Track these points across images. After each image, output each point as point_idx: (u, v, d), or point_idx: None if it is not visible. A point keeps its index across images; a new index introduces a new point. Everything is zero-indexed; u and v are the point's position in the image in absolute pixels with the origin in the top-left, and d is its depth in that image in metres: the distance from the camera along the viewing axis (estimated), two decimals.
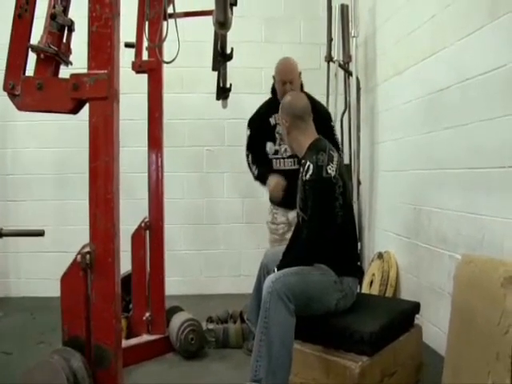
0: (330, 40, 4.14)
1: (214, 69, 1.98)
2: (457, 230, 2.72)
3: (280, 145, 3.02)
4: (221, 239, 4.53)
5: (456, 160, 2.75)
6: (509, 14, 2.29)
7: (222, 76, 2.51)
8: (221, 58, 1.93)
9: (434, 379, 2.29)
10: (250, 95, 4.16)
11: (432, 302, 2.91)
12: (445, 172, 2.88)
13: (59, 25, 1.72)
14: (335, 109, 4.08)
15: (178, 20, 2.08)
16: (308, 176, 2.23)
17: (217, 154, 4.48)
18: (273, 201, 3.16)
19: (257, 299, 2.62)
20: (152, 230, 2.83)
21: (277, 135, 3.02)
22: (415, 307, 2.52)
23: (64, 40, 1.76)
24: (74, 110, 1.70)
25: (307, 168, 2.24)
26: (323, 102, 3.90)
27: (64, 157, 4.38)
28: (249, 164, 3.15)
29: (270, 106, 3.03)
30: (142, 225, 2.82)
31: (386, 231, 3.82)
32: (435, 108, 2.99)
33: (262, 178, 3.08)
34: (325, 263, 2.27)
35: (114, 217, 1.65)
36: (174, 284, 3.62)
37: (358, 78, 4.06)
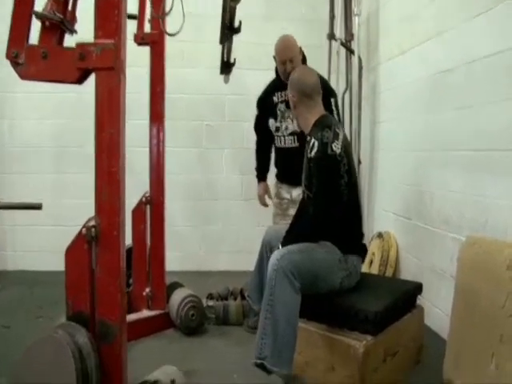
0: (332, 17, 4.08)
1: (221, 42, 1.93)
2: (460, 212, 2.71)
3: (281, 122, 3.02)
4: (220, 216, 4.51)
5: (460, 141, 2.73)
6: None
7: (226, 50, 2.46)
8: (228, 31, 1.87)
9: (435, 361, 2.31)
10: (251, 71, 4.14)
11: (433, 284, 2.91)
12: (449, 153, 2.86)
13: None
14: (337, 87, 4.01)
15: None
16: (313, 153, 2.20)
17: (216, 130, 4.43)
18: (278, 176, 3.24)
19: (258, 276, 2.65)
20: (153, 205, 2.80)
21: (278, 112, 3.02)
22: (417, 288, 2.53)
23: (69, 7, 1.70)
24: (80, 80, 1.65)
25: (312, 145, 2.21)
26: None
27: (63, 130, 4.31)
28: (255, 147, 3.29)
29: (275, 85, 3.05)
30: (143, 199, 2.79)
31: (385, 211, 3.81)
32: (439, 89, 2.96)
33: (257, 171, 3.32)
34: (330, 241, 2.26)
35: (119, 190, 1.62)
36: (173, 260, 3.59)
37: (359, 57, 4.00)
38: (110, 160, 1.61)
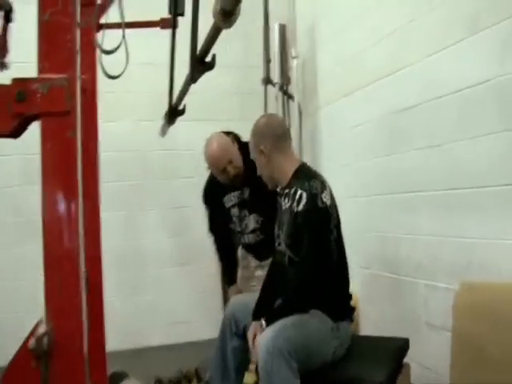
0: (267, 61, 3.87)
1: (192, 80, 1.56)
2: (434, 256, 2.54)
3: (240, 225, 2.73)
4: (151, 284, 3.97)
5: (430, 181, 2.57)
6: (491, 28, 2.17)
7: (179, 94, 2.09)
8: (200, 66, 1.52)
9: None
10: (182, 123, 3.79)
11: (404, 335, 2.62)
12: (416, 195, 2.68)
13: None
14: None
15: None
16: (301, 206, 1.89)
17: (143, 190, 3.96)
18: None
19: (220, 355, 2.28)
20: (89, 286, 2.27)
21: (234, 218, 2.72)
22: (406, 344, 2.30)
23: None
24: (16, 132, 1.20)
25: (299, 197, 1.91)
26: None
27: None
28: (215, 249, 2.96)
29: (219, 186, 2.69)
30: None
31: None
32: (399, 129, 2.80)
33: (225, 275, 3.00)
34: (319, 308, 1.95)
35: (79, 283, 1.17)
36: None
37: (298, 102, 3.82)
38: (64, 243, 1.16)
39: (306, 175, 2.00)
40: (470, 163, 2.31)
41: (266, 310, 2.12)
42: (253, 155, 2.13)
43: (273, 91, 3.88)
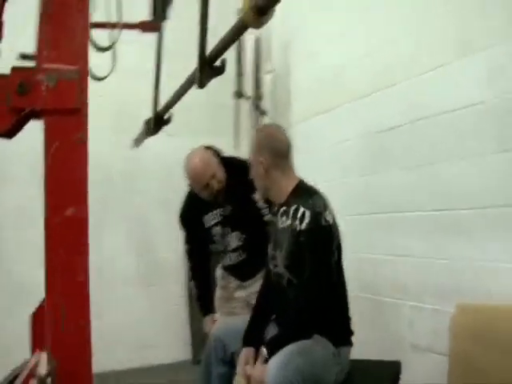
0: (239, 74, 3.77)
1: (201, 85, 1.42)
2: (419, 278, 2.50)
3: (223, 244, 2.55)
4: (115, 305, 3.72)
5: (416, 202, 2.53)
6: (479, 53, 2.18)
7: (169, 102, 1.93)
8: (210, 70, 1.38)
9: None
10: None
11: (388, 358, 2.57)
12: (399, 216, 2.65)
13: None
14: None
15: None
16: (304, 225, 1.77)
17: (108, 205, 3.72)
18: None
19: (205, 381, 2.10)
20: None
21: (215, 238, 2.54)
22: (398, 367, 2.18)
23: None
24: (12, 131, 1.02)
25: (301, 215, 1.78)
26: (231, 144, 3.52)
27: None
28: (190, 274, 2.71)
29: (199, 204, 2.51)
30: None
31: None
32: (382, 148, 2.76)
33: (200, 304, 2.70)
34: (321, 333, 1.83)
35: (87, 312, 0.99)
36: None
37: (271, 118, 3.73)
38: (74, 258, 0.98)
39: (306, 192, 1.90)
40: (458, 185, 2.31)
41: (257, 336, 1.98)
42: (250, 161, 2.01)
43: (244, 105, 3.78)
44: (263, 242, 2.26)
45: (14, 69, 0.97)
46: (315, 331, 1.82)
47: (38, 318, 2.01)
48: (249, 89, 3.73)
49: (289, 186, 1.93)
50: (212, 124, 3.90)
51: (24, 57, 2.12)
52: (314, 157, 3.41)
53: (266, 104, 3.74)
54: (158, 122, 2.07)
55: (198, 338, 3.66)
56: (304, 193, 1.89)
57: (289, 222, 1.83)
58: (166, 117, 2.09)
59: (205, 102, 3.90)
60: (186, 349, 3.69)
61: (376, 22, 2.78)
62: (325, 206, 1.85)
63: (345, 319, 1.97)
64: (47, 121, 1.00)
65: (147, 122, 2.31)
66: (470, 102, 2.21)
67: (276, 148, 1.93)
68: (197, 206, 2.51)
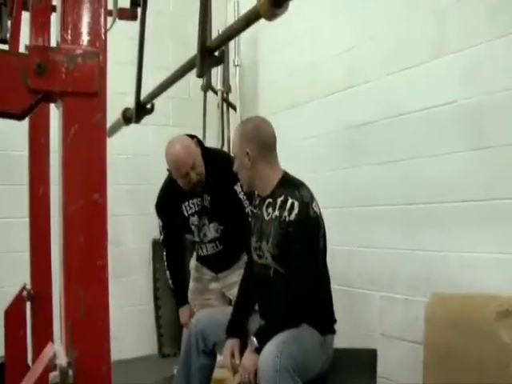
0: None
1: (200, 74, 1.39)
2: (390, 269, 2.60)
3: (199, 235, 2.52)
4: None
5: (388, 196, 2.62)
6: (455, 54, 2.28)
7: (158, 90, 1.88)
8: (210, 59, 1.36)
9: None
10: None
11: (360, 346, 2.65)
12: (372, 209, 2.72)
13: None
14: (217, 145, 3.67)
15: None
16: (293, 215, 1.79)
17: None
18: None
19: (185, 372, 2.08)
20: (36, 302, 1.98)
21: (193, 227, 2.51)
22: (375, 355, 2.22)
23: None
24: (27, 111, 0.97)
25: (290, 206, 1.80)
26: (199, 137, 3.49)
27: None
28: (166, 263, 2.63)
29: (177, 192, 2.45)
30: (22, 294, 1.95)
31: None
32: (356, 143, 2.83)
33: (176, 294, 2.67)
34: (308, 322, 1.86)
35: (106, 297, 0.97)
36: None
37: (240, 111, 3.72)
38: (94, 246, 0.95)
39: (292, 184, 1.92)
40: (430, 180, 2.40)
41: (241, 327, 2.00)
42: (235, 152, 2.00)
43: (213, 98, 3.76)
44: (241, 234, 2.28)
45: (32, 47, 0.94)
46: (303, 320, 1.84)
47: (11, 312, 1.96)
48: (217, 82, 3.71)
49: (274, 178, 1.95)
50: (178, 115, 3.86)
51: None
52: (282, 151, 3.43)
53: (233, 98, 3.73)
54: (140, 111, 2.04)
55: (165, 331, 3.64)
56: (290, 184, 1.91)
57: (276, 213, 1.85)
58: (148, 106, 2.05)
59: (171, 94, 3.85)
60: (153, 342, 3.64)
61: (352, 19, 2.84)
62: (311, 197, 1.88)
63: (329, 307, 2.01)
64: (66, 104, 0.96)
65: (125, 111, 2.25)
66: (444, 101, 2.30)
67: (263, 140, 1.94)
68: (175, 194, 2.46)
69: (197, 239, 2.53)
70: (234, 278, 2.50)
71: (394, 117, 2.56)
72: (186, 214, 2.48)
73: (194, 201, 2.45)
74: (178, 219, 2.49)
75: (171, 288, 2.64)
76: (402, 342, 2.51)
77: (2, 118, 0.99)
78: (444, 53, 2.33)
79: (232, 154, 2.10)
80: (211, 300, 2.61)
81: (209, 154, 2.43)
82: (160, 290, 3.61)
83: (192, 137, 2.42)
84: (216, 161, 2.42)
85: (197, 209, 2.46)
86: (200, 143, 2.46)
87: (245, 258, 2.42)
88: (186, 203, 2.47)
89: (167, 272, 2.60)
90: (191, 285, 2.66)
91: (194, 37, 3.85)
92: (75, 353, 0.92)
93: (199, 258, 2.62)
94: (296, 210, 1.79)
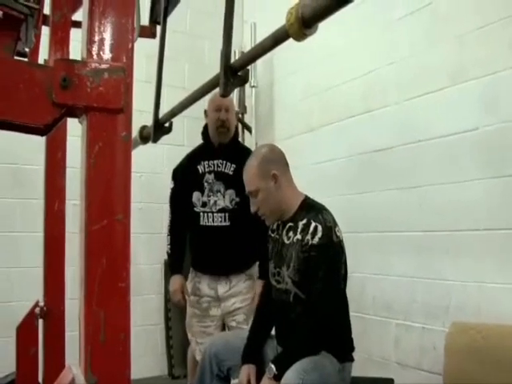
0: None
1: (224, 93, 1.37)
2: (407, 297, 2.54)
3: (209, 196, 2.47)
4: None
5: (405, 223, 2.56)
6: (475, 81, 2.25)
7: (176, 108, 1.87)
8: (234, 79, 1.34)
9: None
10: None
11: (374, 375, 2.56)
12: (388, 235, 2.66)
13: None
14: None
15: None
16: (317, 239, 1.75)
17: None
18: (195, 265, 2.59)
19: None
20: (49, 319, 1.95)
21: (205, 184, 2.47)
22: None
23: None
24: (50, 126, 0.95)
25: (314, 230, 1.76)
26: None
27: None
28: (168, 228, 2.59)
29: (201, 152, 2.54)
30: (36, 310, 1.92)
31: None
32: (373, 168, 2.79)
33: (172, 261, 2.60)
34: (327, 349, 1.81)
35: (128, 322, 0.93)
36: None
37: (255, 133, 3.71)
38: (116, 267, 0.92)
39: (315, 208, 1.88)
40: (449, 207, 2.36)
41: (257, 352, 1.94)
42: (256, 187, 1.91)
43: None
44: (251, 231, 2.29)
45: (57, 61, 0.92)
46: (323, 347, 1.80)
47: (24, 329, 1.92)
48: (235, 103, 3.70)
49: (296, 201, 1.92)
50: (194, 136, 3.82)
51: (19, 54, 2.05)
52: (297, 175, 3.40)
53: (249, 119, 3.72)
54: (158, 130, 2.02)
55: (175, 352, 3.57)
56: (313, 208, 1.87)
57: (298, 236, 1.81)
58: (166, 125, 2.03)
59: (187, 113, 3.85)
60: (163, 363, 3.58)
61: (370, 43, 2.83)
62: (334, 221, 1.84)
63: (348, 334, 1.96)
64: (90, 119, 0.94)
65: (142, 130, 2.24)
66: (465, 128, 2.26)
67: (282, 158, 1.94)
68: (198, 154, 2.54)
69: (204, 199, 2.46)
70: (236, 304, 2.44)
71: (413, 143, 2.53)
72: (201, 171, 2.48)
73: (215, 162, 2.45)
74: (192, 178, 2.49)
75: (168, 254, 2.57)
76: (418, 371, 2.44)
77: (22, 133, 0.97)
78: (465, 78, 2.30)
79: (247, 193, 1.99)
80: (210, 328, 2.50)
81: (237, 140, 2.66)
82: (171, 310, 3.55)
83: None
84: (244, 147, 2.64)
85: (216, 169, 2.45)
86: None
87: (255, 268, 2.39)
88: (206, 162, 2.48)
89: (167, 237, 2.56)
90: (189, 310, 2.57)
91: (210, 57, 3.90)
92: (94, 378, 0.89)
93: (200, 229, 2.50)
94: (319, 234, 1.76)
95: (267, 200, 1.90)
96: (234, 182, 2.41)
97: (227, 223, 2.44)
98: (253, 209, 1.94)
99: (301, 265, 1.80)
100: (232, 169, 2.45)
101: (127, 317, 0.93)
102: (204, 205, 2.48)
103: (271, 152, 1.95)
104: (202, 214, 2.48)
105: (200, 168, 2.50)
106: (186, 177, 2.53)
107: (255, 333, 1.99)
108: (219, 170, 2.45)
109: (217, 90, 2.13)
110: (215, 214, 2.46)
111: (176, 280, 2.51)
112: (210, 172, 2.47)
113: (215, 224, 2.46)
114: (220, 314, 2.51)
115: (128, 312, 0.93)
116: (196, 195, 2.50)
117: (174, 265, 2.57)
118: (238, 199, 2.42)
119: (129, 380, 0.92)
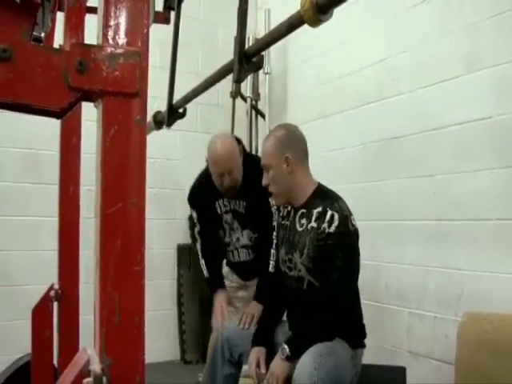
0: None
1: (238, 79, 1.36)
2: (420, 286, 2.53)
3: (231, 235, 2.48)
4: None
5: (419, 211, 2.55)
6: (489, 69, 2.22)
7: (190, 95, 1.87)
8: (248, 65, 1.33)
9: None
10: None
11: (386, 362, 2.57)
12: (401, 223, 2.65)
13: None
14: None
15: None
16: (333, 228, 1.74)
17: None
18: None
19: (210, 382, 2.08)
20: (63, 302, 1.97)
21: (225, 225, 2.47)
22: (403, 373, 2.18)
23: None
24: (66, 109, 0.96)
25: (330, 218, 1.76)
26: None
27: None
28: (200, 253, 2.55)
29: (213, 188, 2.39)
30: (49, 294, 1.95)
31: None
32: (386, 156, 2.77)
33: (211, 281, 2.53)
34: (340, 335, 1.82)
35: (142, 305, 0.94)
36: None
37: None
38: (131, 251, 0.92)
39: (330, 196, 1.87)
40: (463, 196, 2.34)
41: (267, 336, 1.96)
42: (269, 163, 1.91)
43: (241, 106, 3.74)
44: (269, 244, 2.25)
45: (73, 45, 0.92)
46: (337, 333, 1.81)
47: (39, 312, 1.95)
48: (246, 89, 3.69)
49: (309, 188, 1.90)
50: (206, 122, 3.85)
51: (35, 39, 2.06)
52: (310, 162, 3.39)
53: (262, 106, 3.71)
54: (172, 115, 2.02)
55: (188, 337, 3.61)
56: (328, 196, 1.86)
57: (313, 224, 1.80)
58: (180, 110, 2.04)
59: (200, 100, 3.85)
60: (175, 348, 3.62)
61: (384, 31, 2.80)
62: (349, 210, 1.84)
63: (361, 321, 1.97)
64: (106, 103, 0.94)
65: (156, 115, 2.24)
66: (479, 116, 2.24)
67: (300, 145, 1.92)
68: (210, 189, 2.40)
69: (227, 240, 2.47)
70: None
71: (427, 131, 2.50)
72: (220, 212, 2.44)
73: (231, 202, 2.42)
74: (211, 215, 2.46)
75: (206, 278, 2.52)
76: (429, 360, 2.44)
77: (39, 116, 0.98)
78: (478, 67, 2.27)
79: (261, 165, 1.99)
80: (239, 308, 2.51)
81: (249, 161, 2.37)
82: (184, 295, 3.58)
83: (239, 142, 2.39)
84: (256, 169, 2.28)
85: (232, 208, 2.42)
86: (244, 149, 2.43)
87: None
88: (221, 201, 2.43)
89: (201, 261, 2.51)
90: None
91: (223, 43, 3.88)
92: (109, 360, 0.90)
93: (230, 264, 2.57)
94: (336, 223, 1.75)
95: (277, 180, 1.90)
96: (247, 220, 2.42)
97: (251, 257, 2.48)
98: (264, 182, 1.95)
99: (316, 252, 1.80)
100: (243, 206, 2.42)
101: (141, 300, 0.94)
102: (228, 244, 2.51)
103: (291, 134, 1.93)
104: (228, 252, 2.52)
105: (218, 208, 2.46)
106: (206, 210, 2.49)
107: (266, 317, 2.00)
108: (235, 208, 2.43)
109: (212, 149, 2.14)
110: (240, 250, 2.49)
111: (221, 297, 2.41)
112: (226, 212, 2.45)
113: (241, 260, 2.50)
114: (247, 295, 2.54)
115: (142, 295, 0.94)
116: (221, 234, 2.52)
117: (215, 284, 2.49)
118: (255, 235, 2.44)
119: (143, 362, 0.93)
